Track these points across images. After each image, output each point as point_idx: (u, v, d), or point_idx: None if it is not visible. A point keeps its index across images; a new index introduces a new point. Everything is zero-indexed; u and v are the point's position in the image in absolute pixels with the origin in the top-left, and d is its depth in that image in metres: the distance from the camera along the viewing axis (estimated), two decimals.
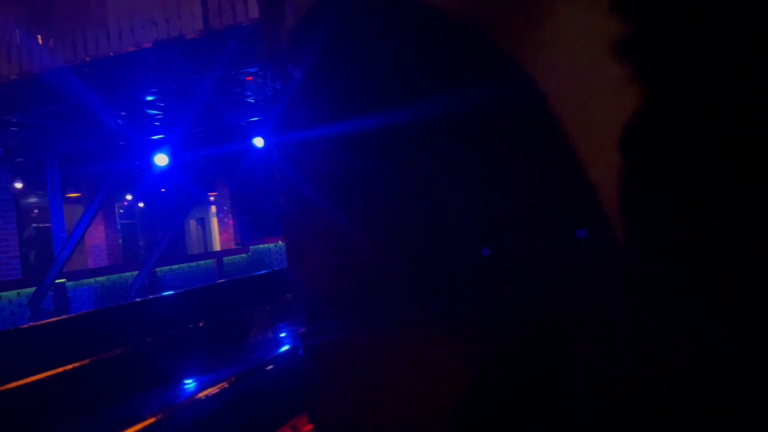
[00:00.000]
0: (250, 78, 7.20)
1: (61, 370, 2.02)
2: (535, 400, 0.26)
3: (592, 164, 0.23)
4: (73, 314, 2.74)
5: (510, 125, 0.23)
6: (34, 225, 13.22)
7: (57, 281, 8.51)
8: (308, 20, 0.25)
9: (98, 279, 9.76)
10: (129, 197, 15.38)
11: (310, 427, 1.96)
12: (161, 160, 8.25)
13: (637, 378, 0.24)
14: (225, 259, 12.75)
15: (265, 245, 13.86)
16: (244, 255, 13.39)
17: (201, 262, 12.19)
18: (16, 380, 1.96)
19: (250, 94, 7.84)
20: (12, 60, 6.87)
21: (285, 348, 2.43)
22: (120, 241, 13.46)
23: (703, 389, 0.27)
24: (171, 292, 3.49)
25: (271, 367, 2.14)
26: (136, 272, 9.85)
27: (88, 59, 6.64)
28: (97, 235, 12.51)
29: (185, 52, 6.45)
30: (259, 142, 8.70)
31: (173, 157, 8.37)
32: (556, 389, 0.26)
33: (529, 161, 0.24)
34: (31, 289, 8.39)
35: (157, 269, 10.04)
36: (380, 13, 0.21)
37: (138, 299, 3.72)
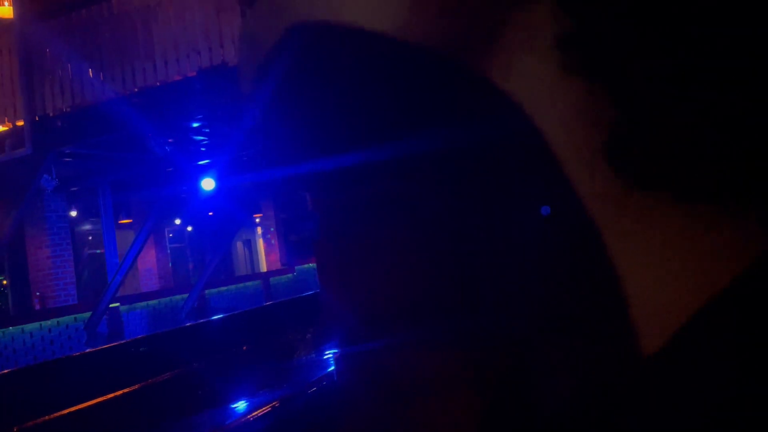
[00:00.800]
0: None
1: (119, 393, 2.08)
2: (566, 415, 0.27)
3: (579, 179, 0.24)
4: (129, 340, 2.81)
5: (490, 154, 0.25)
6: (88, 251, 13.68)
7: (111, 305, 8.76)
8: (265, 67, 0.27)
9: (150, 302, 10.01)
10: (178, 221, 15.78)
11: None
12: (208, 184, 8.45)
13: None
14: (271, 279, 12.92)
15: (310, 265, 13.99)
16: (289, 275, 13.53)
17: (248, 283, 12.37)
18: (78, 403, 2.02)
19: None
20: (65, 93, 7.17)
21: (330, 369, 2.44)
22: (170, 264, 13.80)
23: None
24: (219, 316, 3.55)
25: (314, 389, 2.16)
26: (186, 295, 10.07)
27: (136, 89, 6.88)
28: (148, 259, 12.85)
29: (228, 79, 6.62)
30: None
31: (219, 181, 8.56)
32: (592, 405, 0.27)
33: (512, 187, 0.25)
34: (87, 314, 8.66)
35: (206, 291, 10.23)
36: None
37: (188, 323, 3.79)
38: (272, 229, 15.28)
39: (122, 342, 2.86)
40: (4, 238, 7.26)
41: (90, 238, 13.76)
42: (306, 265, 13.95)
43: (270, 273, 14.86)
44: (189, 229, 16.46)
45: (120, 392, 2.08)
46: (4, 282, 13.21)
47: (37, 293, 9.20)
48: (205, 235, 13.95)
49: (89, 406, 1.98)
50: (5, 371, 4.28)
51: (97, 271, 13.24)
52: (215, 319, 3.37)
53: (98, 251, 12.92)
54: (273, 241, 15.46)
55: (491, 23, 0.22)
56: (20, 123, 7.31)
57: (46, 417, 1.89)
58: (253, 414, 1.90)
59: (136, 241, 9.20)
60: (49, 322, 8.32)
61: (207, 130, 8.10)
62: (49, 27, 7.18)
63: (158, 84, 6.82)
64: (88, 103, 7.06)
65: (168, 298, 10.30)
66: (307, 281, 12.68)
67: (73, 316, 8.56)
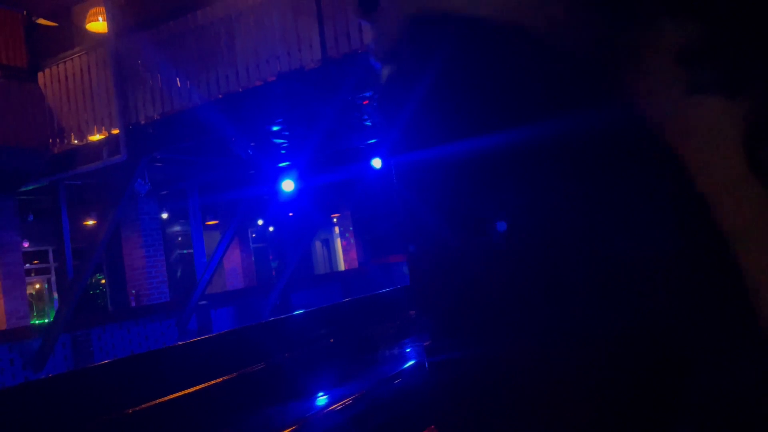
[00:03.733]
0: (367, 102, 7.43)
1: (211, 383, 2.21)
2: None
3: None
4: (218, 333, 2.96)
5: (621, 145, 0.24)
6: (177, 251, 14.37)
7: (200, 303, 9.18)
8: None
9: (235, 300, 10.42)
10: (260, 222, 16.30)
11: None
12: (288, 185, 8.68)
13: None
14: (348, 277, 13.15)
15: (388, 263, 14.12)
16: (367, 274, 13.72)
17: (327, 282, 12.65)
18: (170, 394, 2.16)
19: (367, 117, 8.08)
20: (155, 102, 7.57)
21: (410, 363, 2.48)
22: (253, 263, 14.28)
23: None
24: (303, 311, 3.67)
25: (398, 380, 2.20)
26: (268, 293, 10.41)
27: (220, 95, 7.17)
28: (233, 258, 13.35)
29: (306, 82, 6.79)
30: (377, 163, 8.90)
31: (299, 182, 8.77)
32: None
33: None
34: (178, 311, 9.13)
35: (288, 289, 10.53)
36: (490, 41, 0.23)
37: (272, 318, 3.96)
38: (350, 229, 15.50)
39: (214, 334, 3.02)
40: (103, 240, 7.75)
41: (179, 239, 14.45)
42: (382, 263, 14.09)
43: (348, 271, 15.10)
44: (270, 229, 16.97)
45: (215, 381, 2.20)
46: (102, 281, 14.10)
47: (133, 291, 9.75)
48: (286, 235, 14.35)
49: (183, 395, 2.11)
50: (107, 361, 4.63)
51: (186, 270, 13.90)
52: (300, 314, 3.49)
53: (187, 251, 13.55)
54: (350, 240, 15.70)
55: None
56: (115, 131, 7.77)
57: (149, 403, 2.03)
58: (337, 405, 1.97)
59: (222, 241, 9.59)
60: (144, 319, 8.83)
61: (286, 133, 8.34)
62: (140, 39, 7.60)
63: (240, 90, 7.08)
64: (176, 110, 7.42)
65: (252, 296, 10.69)
66: (383, 279, 12.80)
67: (165, 313, 9.04)
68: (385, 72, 0.28)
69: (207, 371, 2.34)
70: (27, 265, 10.33)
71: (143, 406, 1.98)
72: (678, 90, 0.20)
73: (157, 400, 2.11)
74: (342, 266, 17.42)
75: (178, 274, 14.06)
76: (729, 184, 0.20)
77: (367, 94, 7.05)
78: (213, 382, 2.21)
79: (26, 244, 10.35)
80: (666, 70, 0.20)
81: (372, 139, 8.68)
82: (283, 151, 9.01)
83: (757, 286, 0.21)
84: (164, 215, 11.54)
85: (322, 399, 2.07)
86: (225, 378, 2.26)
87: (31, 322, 9.76)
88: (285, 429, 1.85)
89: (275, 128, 8.06)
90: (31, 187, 8.57)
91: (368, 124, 8.37)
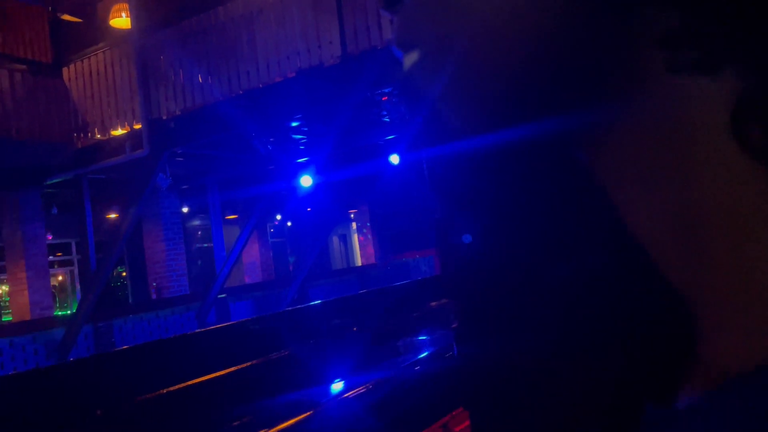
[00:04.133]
0: (386, 98, 7.46)
1: (232, 369, 2.28)
2: None
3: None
4: (239, 320, 3.04)
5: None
6: (197, 245, 14.55)
7: (219, 296, 9.30)
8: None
9: (254, 294, 10.55)
10: (278, 217, 16.43)
11: (461, 427, 2.03)
12: (306, 181, 8.74)
13: None
14: (365, 272, 13.22)
15: (404, 259, 14.17)
16: (383, 269, 13.79)
17: (344, 276, 12.75)
18: (191, 379, 2.23)
19: (385, 113, 8.11)
20: (177, 97, 7.67)
21: (428, 353, 2.54)
22: (272, 258, 14.41)
23: None
24: (325, 300, 3.74)
25: (418, 367, 2.26)
26: (287, 287, 10.52)
27: (241, 92, 7.25)
28: (252, 253, 13.47)
29: (325, 78, 6.84)
30: (395, 159, 8.91)
31: (317, 177, 8.82)
32: None
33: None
34: (197, 304, 9.26)
35: (306, 283, 10.62)
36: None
37: (291, 308, 4.04)
38: (368, 224, 15.56)
39: (236, 321, 3.10)
40: (125, 233, 7.88)
41: (199, 233, 14.62)
42: (400, 260, 14.15)
43: (365, 267, 15.18)
44: (288, 224, 17.09)
45: (236, 367, 2.27)
46: (123, 273, 14.32)
47: (154, 283, 9.90)
48: (304, 230, 14.45)
49: (204, 381, 2.19)
50: (126, 347, 4.74)
51: (205, 264, 14.07)
52: (319, 304, 3.56)
53: (206, 245, 13.72)
54: (368, 236, 15.76)
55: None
56: (137, 126, 7.89)
57: (171, 388, 2.11)
58: (356, 390, 2.03)
59: (242, 235, 9.71)
60: (164, 311, 8.97)
61: (305, 129, 8.40)
62: (163, 36, 7.70)
63: (260, 86, 7.15)
64: (197, 106, 7.51)
65: (271, 290, 10.81)
66: (399, 275, 12.85)
67: (185, 306, 9.18)
68: (408, 60, 0.28)
69: (228, 358, 2.41)
70: (50, 257, 10.52)
71: (172, 388, 2.05)
72: (663, 76, 0.21)
73: (185, 384, 2.19)
74: (359, 262, 17.48)
75: (198, 267, 14.22)
76: (725, 171, 0.20)
77: (386, 90, 7.08)
78: (238, 367, 2.29)
79: (50, 237, 10.54)
80: (650, 57, 0.21)
81: (390, 135, 8.71)
82: (301, 147, 9.07)
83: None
84: (185, 209, 11.67)
85: (340, 385, 2.13)
86: (253, 362, 2.34)
87: (54, 314, 9.96)
88: (304, 412, 1.91)
89: (294, 124, 8.12)
90: (55, 181, 8.74)
91: (387, 120, 8.40)
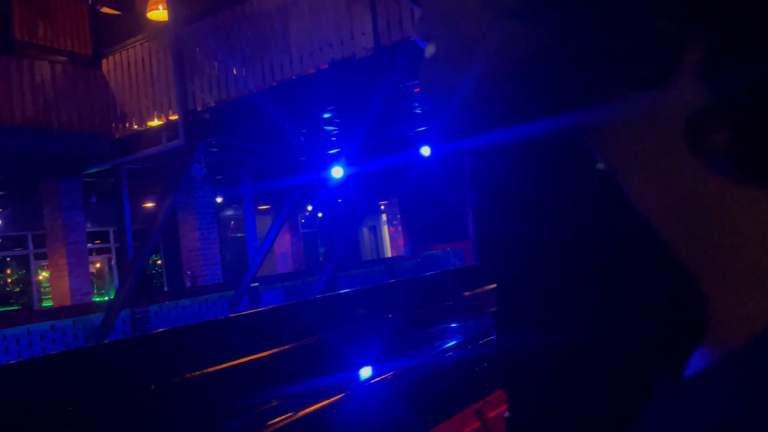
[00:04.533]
0: (418, 90, 7.46)
1: (266, 353, 2.34)
2: None
3: None
4: (271, 306, 3.11)
5: None
6: (230, 234, 14.77)
7: (251, 285, 9.45)
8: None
9: (285, 283, 10.69)
10: (310, 208, 16.58)
11: (495, 413, 2.06)
12: (337, 172, 8.79)
13: None
14: (395, 264, 13.29)
15: (434, 252, 14.19)
16: (413, 261, 13.83)
17: (374, 267, 12.83)
18: (226, 362, 2.30)
19: (417, 105, 8.12)
20: (212, 89, 7.79)
21: (457, 341, 2.57)
22: (303, 248, 14.56)
23: None
24: (351, 290, 3.79)
25: (450, 353, 2.30)
26: (317, 277, 10.64)
27: (274, 83, 7.33)
28: (283, 243, 13.64)
29: (358, 70, 6.87)
30: (425, 151, 8.90)
31: (348, 169, 8.87)
32: None
33: None
34: (230, 292, 9.43)
35: (336, 273, 10.73)
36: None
37: (321, 295, 4.12)
38: (398, 216, 15.59)
39: (268, 308, 3.18)
40: (161, 222, 8.06)
41: (232, 223, 14.84)
42: (430, 252, 14.16)
43: (394, 258, 15.24)
44: (319, 215, 17.23)
45: (270, 351, 2.34)
46: (158, 261, 14.63)
47: (188, 272, 10.10)
48: (334, 221, 14.56)
49: (238, 364, 2.26)
50: (163, 329, 4.86)
51: (238, 253, 14.29)
52: (351, 292, 3.61)
53: (239, 235, 13.93)
54: (398, 228, 15.79)
55: None
56: (173, 117, 8.05)
57: (215, 367, 2.18)
58: (386, 375, 2.08)
59: (274, 225, 9.84)
60: (198, 299, 9.16)
61: (337, 120, 8.46)
62: (198, 28, 7.83)
63: (294, 77, 7.22)
64: (232, 98, 7.63)
65: (301, 280, 10.94)
66: (430, 267, 12.87)
67: (218, 294, 9.35)
68: (428, 52, 0.28)
69: (262, 342, 2.48)
70: (89, 244, 10.80)
71: (208, 370, 2.13)
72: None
73: (222, 365, 2.26)
74: (389, 253, 17.55)
75: (230, 256, 14.46)
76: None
77: (418, 82, 7.07)
78: (272, 351, 2.35)
79: (89, 225, 10.82)
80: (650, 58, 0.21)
81: (421, 127, 8.71)
82: (333, 139, 9.14)
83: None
84: (218, 199, 11.86)
85: (370, 370, 2.18)
86: (294, 344, 2.40)
87: (93, 299, 10.24)
88: (337, 394, 1.97)
89: (326, 115, 8.18)
90: (94, 170, 8.97)
91: (418, 112, 8.41)
